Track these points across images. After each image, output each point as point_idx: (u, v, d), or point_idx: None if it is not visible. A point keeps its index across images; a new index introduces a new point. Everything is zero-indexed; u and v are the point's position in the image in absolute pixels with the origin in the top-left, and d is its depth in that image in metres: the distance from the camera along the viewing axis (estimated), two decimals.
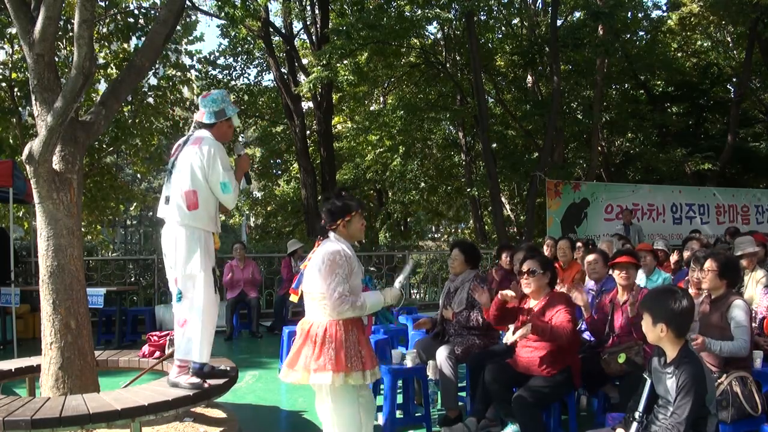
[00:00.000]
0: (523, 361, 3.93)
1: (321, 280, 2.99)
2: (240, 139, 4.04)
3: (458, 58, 16.20)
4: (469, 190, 16.36)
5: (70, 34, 8.17)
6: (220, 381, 3.66)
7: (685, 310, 2.69)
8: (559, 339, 3.76)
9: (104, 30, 9.91)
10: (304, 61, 16.14)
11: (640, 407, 2.72)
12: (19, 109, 9.75)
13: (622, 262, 4.36)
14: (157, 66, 10.32)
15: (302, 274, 3.16)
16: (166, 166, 3.64)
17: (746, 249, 4.95)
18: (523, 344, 3.96)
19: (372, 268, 11.03)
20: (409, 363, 4.38)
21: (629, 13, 13.86)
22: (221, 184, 3.47)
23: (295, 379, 3.01)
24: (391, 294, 3.15)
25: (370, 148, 17.49)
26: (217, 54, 15.94)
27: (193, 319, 3.53)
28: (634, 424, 2.70)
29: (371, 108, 18.80)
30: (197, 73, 15.02)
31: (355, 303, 2.97)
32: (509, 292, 3.95)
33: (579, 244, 7.02)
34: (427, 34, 16.53)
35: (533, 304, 4.03)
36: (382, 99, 19.33)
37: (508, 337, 4.11)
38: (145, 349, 4.50)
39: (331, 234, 3.14)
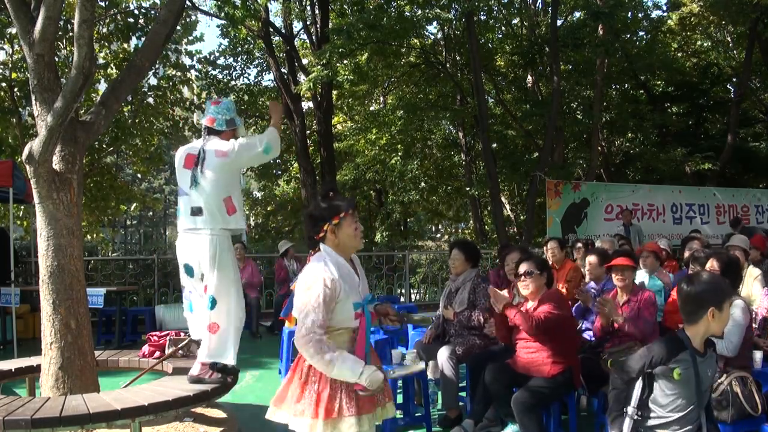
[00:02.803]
0: (523, 361, 3.93)
1: None
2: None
3: (458, 58, 16.21)
4: (469, 190, 16.36)
5: (70, 34, 8.17)
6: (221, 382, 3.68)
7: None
8: (525, 324, 3.78)
9: (104, 30, 9.91)
10: (304, 61, 16.13)
11: (633, 402, 2.68)
12: (19, 109, 9.74)
13: (617, 265, 4.36)
14: (157, 66, 10.32)
15: (291, 296, 2.77)
16: (195, 174, 3.57)
17: (733, 242, 5.01)
18: (523, 345, 3.97)
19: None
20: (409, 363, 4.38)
21: (629, 13, 13.86)
22: (264, 147, 3.55)
23: (281, 420, 2.51)
24: (370, 375, 2.37)
25: (369, 146, 17.50)
26: (217, 54, 15.93)
27: (225, 323, 3.60)
28: (627, 420, 2.68)
29: (371, 108, 18.80)
30: (197, 73, 15.01)
31: (321, 350, 2.34)
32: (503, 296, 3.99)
33: (579, 244, 7.03)
34: (427, 34, 16.54)
35: (531, 305, 4.03)
36: (382, 99, 19.34)
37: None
38: (145, 349, 4.50)
39: (322, 247, 2.56)
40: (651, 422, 2.69)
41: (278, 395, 2.55)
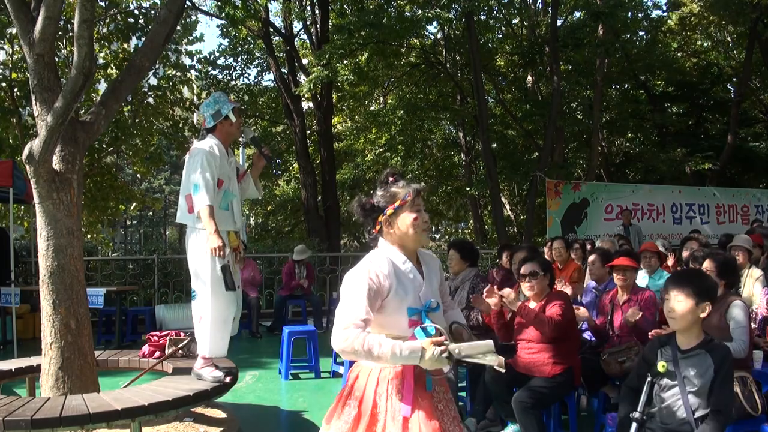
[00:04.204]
0: (523, 361, 3.93)
1: None
2: (245, 132, 4.12)
3: (458, 58, 16.21)
4: (469, 190, 16.36)
5: (70, 34, 8.16)
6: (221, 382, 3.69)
7: (717, 288, 2.84)
8: (541, 326, 3.75)
9: (104, 30, 9.91)
10: (304, 61, 16.14)
11: (640, 407, 2.72)
12: (19, 109, 9.73)
13: (619, 265, 4.37)
14: (157, 66, 10.31)
15: None
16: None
17: (736, 242, 4.99)
18: (525, 345, 3.96)
19: None
20: None
21: (629, 13, 13.86)
22: (193, 185, 3.55)
23: None
24: (433, 357, 1.95)
25: (369, 146, 17.51)
26: (217, 54, 15.93)
27: (204, 316, 3.65)
28: (634, 425, 2.70)
29: (371, 108, 18.81)
30: (197, 73, 15.02)
31: (370, 342, 1.94)
32: (506, 291, 3.91)
33: (576, 245, 7.03)
34: (427, 34, 16.55)
35: (533, 306, 4.01)
36: (382, 99, 19.34)
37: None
38: (145, 349, 4.50)
39: (380, 241, 2.21)
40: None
41: (328, 412, 2.22)
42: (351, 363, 2.29)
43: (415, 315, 2.11)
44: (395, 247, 2.17)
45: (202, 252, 3.59)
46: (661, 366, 2.66)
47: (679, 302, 2.70)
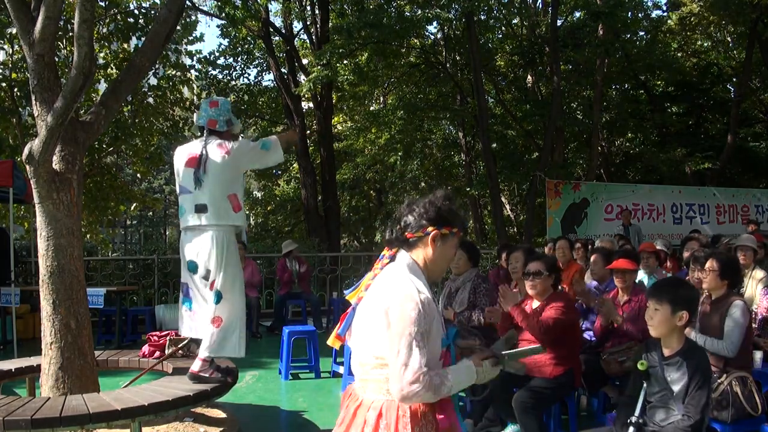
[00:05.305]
0: (524, 361, 3.92)
1: (382, 339, 1.86)
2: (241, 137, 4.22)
3: (458, 58, 16.22)
4: (469, 190, 16.36)
5: (70, 34, 8.16)
6: (221, 382, 3.69)
7: (698, 297, 2.83)
8: (533, 331, 3.74)
9: (104, 30, 9.90)
10: (304, 61, 16.15)
11: (637, 411, 2.74)
12: (19, 109, 9.73)
13: (618, 268, 4.37)
14: (157, 66, 10.30)
15: (351, 313, 2.04)
16: (198, 174, 3.62)
17: (743, 242, 4.97)
18: (525, 345, 3.95)
19: None
20: None
21: (629, 13, 13.87)
22: (261, 144, 3.68)
23: None
24: (488, 369, 1.97)
25: (369, 146, 17.51)
26: (217, 54, 15.93)
27: (231, 317, 3.66)
28: (631, 429, 2.72)
29: (371, 108, 18.83)
30: (197, 73, 15.01)
31: (437, 385, 1.81)
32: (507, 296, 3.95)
33: (578, 244, 7.03)
34: (427, 34, 16.56)
35: (536, 305, 4.01)
36: (382, 99, 19.35)
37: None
38: (145, 349, 4.50)
39: (404, 256, 1.98)
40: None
41: None
42: (351, 365, 2.21)
43: (444, 346, 1.96)
44: (420, 268, 1.97)
45: (235, 253, 3.65)
46: (640, 364, 2.74)
47: (656, 311, 2.77)
